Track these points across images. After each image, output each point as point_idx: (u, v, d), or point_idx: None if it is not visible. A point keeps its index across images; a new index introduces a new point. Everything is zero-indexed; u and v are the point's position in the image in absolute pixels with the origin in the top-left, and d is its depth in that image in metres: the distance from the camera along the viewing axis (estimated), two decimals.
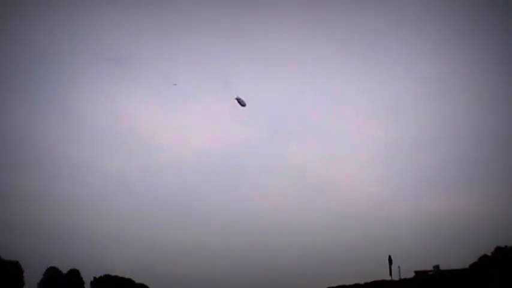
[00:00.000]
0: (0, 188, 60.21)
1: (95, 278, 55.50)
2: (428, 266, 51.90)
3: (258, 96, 64.66)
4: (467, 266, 45.15)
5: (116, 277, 55.77)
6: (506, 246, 43.80)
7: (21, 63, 72.58)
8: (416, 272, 50.74)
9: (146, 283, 58.42)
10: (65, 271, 53.56)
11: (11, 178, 62.58)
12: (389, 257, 38.55)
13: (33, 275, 50.21)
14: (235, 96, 40.81)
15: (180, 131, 72.85)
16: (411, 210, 62.86)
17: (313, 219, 63.51)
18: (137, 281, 57.79)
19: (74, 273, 52.68)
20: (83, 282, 54.32)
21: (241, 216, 64.27)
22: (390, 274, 38.31)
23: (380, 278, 46.30)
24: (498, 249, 43.89)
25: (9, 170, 63.15)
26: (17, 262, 49.95)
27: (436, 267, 51.24)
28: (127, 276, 56.66)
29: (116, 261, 58.63)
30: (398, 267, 41.58)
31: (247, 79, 67.94)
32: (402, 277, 43.59)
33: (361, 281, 48.88)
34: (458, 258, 48.95)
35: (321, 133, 68.43)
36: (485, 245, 44.79)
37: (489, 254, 44.24)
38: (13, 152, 66.39)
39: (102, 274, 55.94)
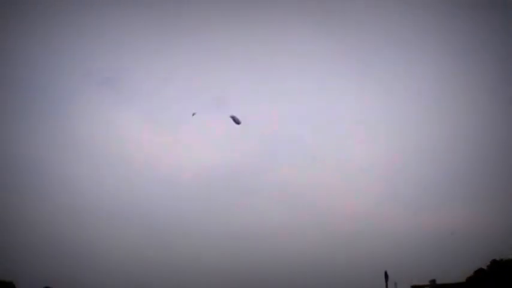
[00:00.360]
0: None
1: None
2: (424, 281, 51.74)
3: (252, 114, 64.41)
4: (463, 279, 45.38)
5: None
6: (502, 259, 44.15)
7: (11, 83, 72.52)
8: (413, 287, 50.80)
9: None
10: None
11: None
12: (385, 272, 38.57)
13: None
14: (230, 114, 40.88)
15: (173, 151, 72.32)
16: (407, 225, 62.84)
17: (308, 238, 63.28)
18: None
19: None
20: None
21: (234, 236, 63.98)
22: None
23: None
24: (494, 263, 44.16)
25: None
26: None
27: (433, 281, 51.13)
28: None
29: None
30: (395, 283, 41.51)
31: (242, 98, 67.70)
32: None
33: None
34: (454, 272, 48.68)
35: (316, 151, 68.34)
36: (481, 259, 45.11)
37: (485, 267, 44.54)
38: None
39: None
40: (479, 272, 43.64)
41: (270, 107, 72.47)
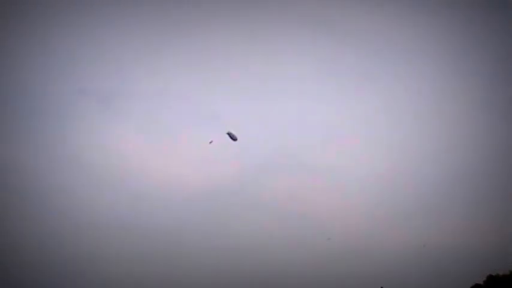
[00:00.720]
0: None
1: None
2: None
3: (248, 130, 64.27)
4: None
5: None
6: (497, 274, 44.06)
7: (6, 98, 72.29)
8: None
9: None
10: None
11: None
12: None
13: None
14: (227, 131, 41.08)
15: (169, 167, 71.96)
16: (404, 240, 62.68)
17: (302, 254, 62.94)
18: None
19: None
20: None
21: (229, 252, 63.56)
22: None
23: None
24: (490, 278, 44.11)
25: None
26: None
27: None
28: None
29: None
30: None
31: (237, 114, 67.61)
32: None
33: None
34: None
35: (311, 167, 68.31)
36: (477, 274, 45.12)
37: (481, 283, 44.53)
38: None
39: None
40: None
41: (265, 122, 72.20)
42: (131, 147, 73.29)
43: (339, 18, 76.49)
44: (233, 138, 43.87)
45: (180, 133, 71.64)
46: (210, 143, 41.69)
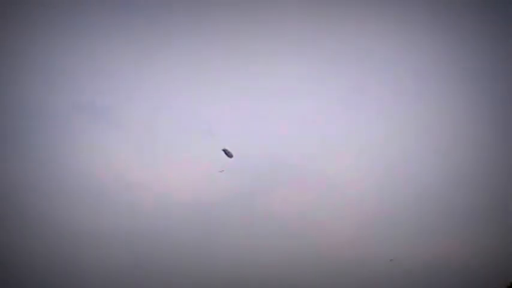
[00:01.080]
0: None
1: None
2: None
3: (243, 146, 64.25)
4: None
5: None
6: None
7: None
8: None
9: None
10: None
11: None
12: None
13: None
14: (222, 148, 41.18)
15: (164, 184, 71.70)
16: (401, 254, 62.05)
17: (301, 269, 62.35)
18: None
19: None
20: None
21: (226, 270, 63.02)
22: None
23: None
24: None
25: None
26: None
27: None
28: None
29: None
30: None
31: (232, 130, 67.55)
32: None
33: None
34: None
35: (307, 181, 68.00)
36: None
37: None
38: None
39: None
40: None
41: (261, 138, 72.06)
42: (127, 162, 73.10)
43: (335, 36, 76.53)
44: (229, 155, 43.91)
45: (177, 148, 71.50)
46: (221, 172, 42.04)
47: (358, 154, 71.97)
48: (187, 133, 70.34)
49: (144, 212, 68.28)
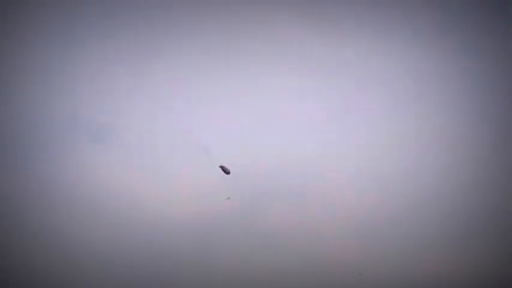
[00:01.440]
0: None
1: None
2: None
3: (240, 162, 63.54)
4: None
5: None
6: None
7: None
8: None
9: None
10: None
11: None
12: None
13: None
14: (219, 164, 40.58)
15: (160, 201, 70.99)
16: (402, 273, 60.94)
17: (300, 285, 61.07)
18: None
19: None
20: None
21: (225, 285, 61.72)
22: None
23: None
24: None
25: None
26: None
27: None
28: None
29: None
30: None
31: (230, 146, 67.07)
32: None
33: None
34: None
35: (304, 195, 67.11)
36: None
37: None
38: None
39: None
40: None
41: (258, 155, 71.41)
42: (124, 181, 72.32)
43: (334, 52, 76.30)
44: (226, 171, 43.33)
45: (174, 167, 70.81)
46: (228, 199, 41.59)
47: (359, 170, 71.09)
48: (185, 150, 69.68)
49: (142, 228, 67.15)
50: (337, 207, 67.63)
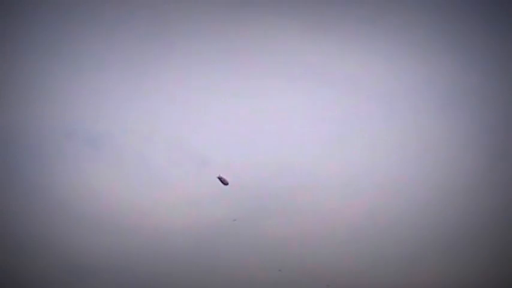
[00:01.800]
0: None
1: None
2: None
3: (240, 174, 63.13)
4: None
5: None
6: None
7: None
8: None
9: None
10: None
11: None
12: None
13: None
14: (218, 175, 40.10)
15: (157, 213, 70.30)
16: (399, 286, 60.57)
17: None
18: None
19: None
20: None
21: None
22: None
23: None
24: None
25: None
26: None
27: None
28: None
29: None
30: None
31: (229, 157, 66.61)
32: None
33: None
34: None
35: (306, 211, 66.74)
36: None
37: None
38: None
39: None
40: None
41: (258, 164, 70.99)
42: (120, 192, 71.57)
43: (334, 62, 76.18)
44: (224, 182, 42.83)
45: (171, 177, 70.14)
46: (234, 221, 41.24)
47: (356, 182, 70.79)
48: (181, 161, 69.18)
49: (137, 241, 66.50)
50: (334, 216, 67.38)
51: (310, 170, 72.21)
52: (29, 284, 61.28)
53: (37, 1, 72.46)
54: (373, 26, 75.69)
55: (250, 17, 77.67)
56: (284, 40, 78.97)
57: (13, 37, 74.12)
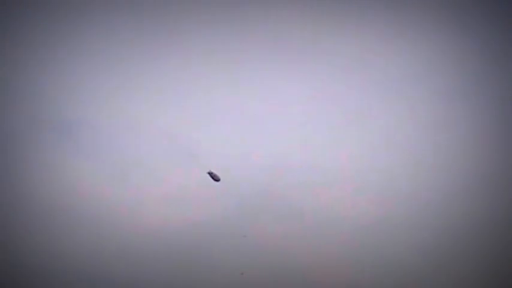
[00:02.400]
0: None
1: None
2: None
3: (231, 170, 60.05)
4: None
5: None
6: None
7: None
8: None
9: None
10: None
11: None
12: None
13: None
14: (208, 171, 35.60)
15: (144, 210, 67.03)
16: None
17: None
18: None
19: None
20: None
21: None
22: None
23: None
24: None
25: None
26: None
27: None
28: None
29: None
30: None
31: (220, 152, 63.39)
32: None
33: None
34: None
35: (300, 211, 64.12)
36: None
37: None
38: None
39: None
40: None
41: (251, 161, 67.84)
42: (95, 186, 67.55)
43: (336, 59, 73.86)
44: (215, 178, 38.46)
45: (154, 171, 66.16)
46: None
47: (359, 183, 68.83)
48: (168, 154, 65.63)
49: (121, 241, 63.41)
50: (334, 219, 65.35)
51: (309, 166, 69.54)
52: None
53: None
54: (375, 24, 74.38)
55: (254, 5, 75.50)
56: (286, 32, 76.40)
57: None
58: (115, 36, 73.74)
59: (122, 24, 74.82)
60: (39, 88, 69.37)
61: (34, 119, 71.10)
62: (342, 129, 73.48)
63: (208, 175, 36.79)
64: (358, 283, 61.69)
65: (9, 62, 70.13)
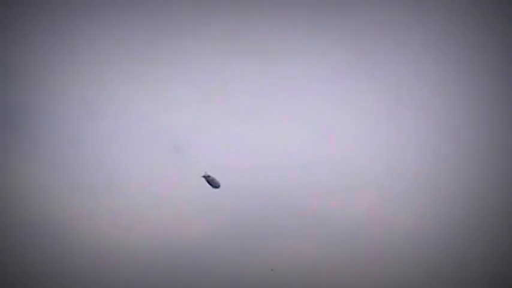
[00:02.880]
0: None
1: None
2: None
3: (234, 178, 60.16)
4: None
5: None
6: None
7: None
8: None
9: None
10: None
11: None
12: None
13: None
14: (203, 174, 31.72)
15: (136, 221, 67.11)
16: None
17: None
18: None
19: None
20: None
21: None
22: None
23: None
24: None
25: None
26: None
27: None
28: None
29: None
30: None
31: (222, 159, 63.71)
32: None
33: None
34: None
35: (305, 219, 63.79)
36: None
37: None
38: None
39: None
40: None
41: (254, 169, 68.00)
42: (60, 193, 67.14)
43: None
44: (213, 184, 34.33)
45: (133, 171, 65.89)
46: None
47: (357, 180, 68.60)
48: (148, 149, 64.92)
49: (102, 246, 62.88)
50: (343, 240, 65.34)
51: (308, 167, 69.96)
52: None
53: None
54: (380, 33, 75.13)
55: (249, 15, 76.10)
56: (287, 32, 76.73)
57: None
58: (114, 37, 74.09)
59: (121, 24, 75.38)
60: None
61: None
62: (347, 139, 73.66)
63: (203, 179, 32.66)
64: (363, 285, 61.89)
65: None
